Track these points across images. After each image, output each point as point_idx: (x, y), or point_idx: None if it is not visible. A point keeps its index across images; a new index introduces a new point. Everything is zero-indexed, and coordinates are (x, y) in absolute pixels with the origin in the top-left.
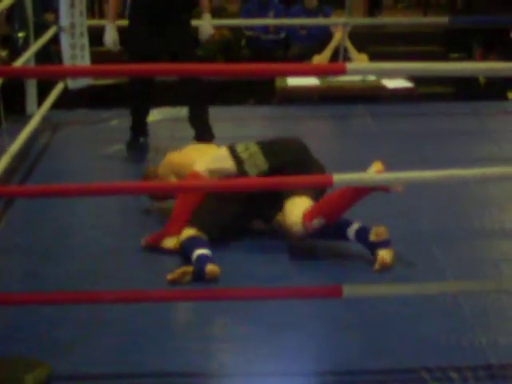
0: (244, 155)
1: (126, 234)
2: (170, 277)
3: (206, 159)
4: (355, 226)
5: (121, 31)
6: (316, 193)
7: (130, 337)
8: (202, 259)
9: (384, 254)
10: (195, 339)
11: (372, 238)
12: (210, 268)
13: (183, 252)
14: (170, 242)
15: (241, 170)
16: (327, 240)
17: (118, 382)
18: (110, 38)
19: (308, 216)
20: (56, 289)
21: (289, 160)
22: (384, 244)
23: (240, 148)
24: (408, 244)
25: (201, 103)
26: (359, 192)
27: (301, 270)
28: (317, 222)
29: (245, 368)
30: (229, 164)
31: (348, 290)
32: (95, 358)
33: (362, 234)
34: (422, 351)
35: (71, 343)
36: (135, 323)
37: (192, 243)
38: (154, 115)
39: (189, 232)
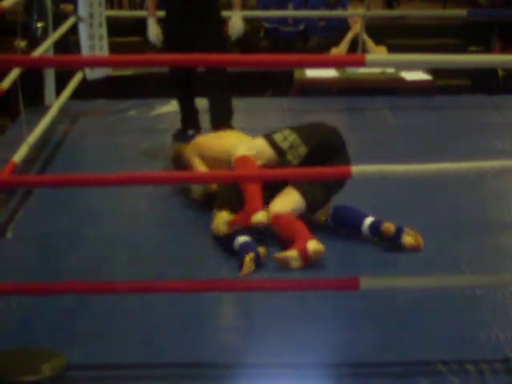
0: (284, 145)
1: (144, 224)
2: (244, 272)
3: (243, 147)
4: (369, 220)
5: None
6: (327, 185)
7: (144, 327)
8: (247, 246)
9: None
10: (210, 330)
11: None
12: (261, 251)
13: (223, 238)
14: (261, 216)
15: (283, 160)
16: (341, 229)
17: (133, 373)
18: (153, 33)
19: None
20: (73, 278)
21: (325, 141)
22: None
23: (279, 137)
24: (425, 237)
25: (225, 92)
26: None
27: (317, 262)
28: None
29: (259, 359)
30: (267, 153)
31: (365, 282)
32: (111, 349)
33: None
34: (439, 344)
35: (87, 334)
36: (150, 314)
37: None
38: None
39: (223, 215)
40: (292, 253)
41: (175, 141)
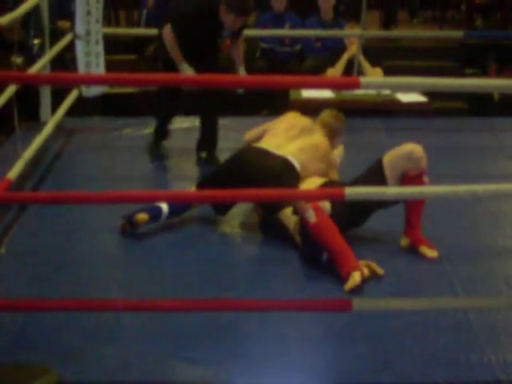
0: None
1: (137, 242)
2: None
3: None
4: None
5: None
6: None
7: (137, 345)
8: (139, 209)
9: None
10: (203, 350)
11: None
12: (138, 216)
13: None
14: (355, 277)
15: None
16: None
17: None
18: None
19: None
20: (65, 295)
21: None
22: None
23: None
24: (419, 259)
25: (214, 115)
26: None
27: (309, 282)
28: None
29: (252, 380)
30: None
31: (358, 303)
32: (103, 366)
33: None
34: (431, 366)
35: (79, 350)
36: (143, 332)
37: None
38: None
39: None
40: (356, 277)
41: (150, 154)
